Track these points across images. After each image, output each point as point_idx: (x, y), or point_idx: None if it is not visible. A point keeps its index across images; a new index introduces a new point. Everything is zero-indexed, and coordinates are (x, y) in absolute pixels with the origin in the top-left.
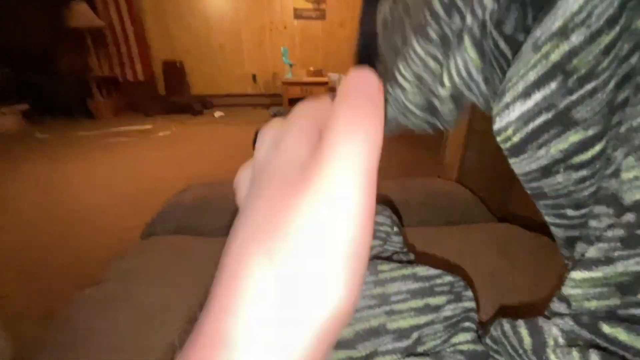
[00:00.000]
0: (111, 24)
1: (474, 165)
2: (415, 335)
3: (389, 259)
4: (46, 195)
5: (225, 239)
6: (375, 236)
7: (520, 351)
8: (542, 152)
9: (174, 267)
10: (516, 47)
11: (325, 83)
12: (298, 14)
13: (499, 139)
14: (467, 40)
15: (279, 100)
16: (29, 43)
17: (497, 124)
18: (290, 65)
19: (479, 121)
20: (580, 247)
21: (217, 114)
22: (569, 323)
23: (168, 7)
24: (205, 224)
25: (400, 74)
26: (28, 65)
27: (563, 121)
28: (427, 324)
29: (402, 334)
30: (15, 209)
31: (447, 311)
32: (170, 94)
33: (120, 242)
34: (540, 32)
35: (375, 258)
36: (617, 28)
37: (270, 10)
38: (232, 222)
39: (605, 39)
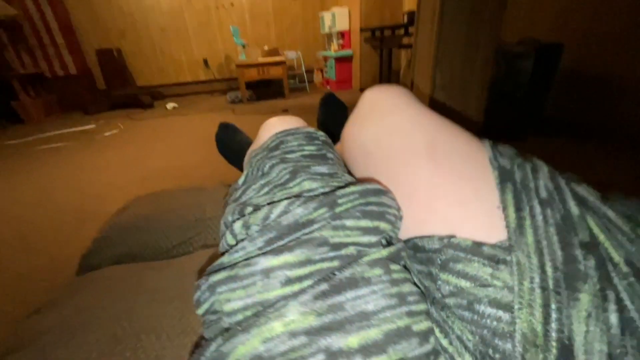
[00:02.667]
0: (27, 12)
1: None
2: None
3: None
4: None
5: (180, 259)
6: (385, 219)
7: None
8: None
9: (114, 313)
10: None
11: (283, 62)
12: None
13: None
14: None
15: (235, 85)
16: None
17: None
18: (243, 46)
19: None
20: None
21: (170, 105)
22: None
23: None
24: (157, 245)
25: None
26: None
27: None
28: None
29: (425, 337)
30: None
31: None
32: (112, 88)
33: (59, 270)
34: None
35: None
36: None
37: None
38: (189, 238)
39: None
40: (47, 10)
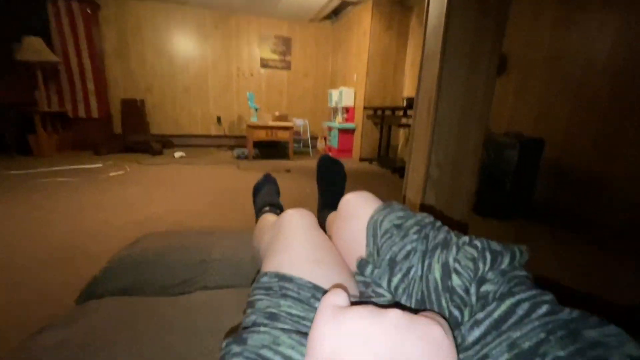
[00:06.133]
0: (67, 59)
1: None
2: None
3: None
4: None
5: (183, 297)
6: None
7: None
8: None
9: (116, 340)
10: None
11: (290, 127)
12: (264, 63)
13: None
14: None
15: (243, 142)
16: None
17: None
18: (256, 110)
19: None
20: None
21: (178, 154)
22: None
23: (132, 46)
24: (160, 281)
25: None
26: None
27: None
28: None
29: None
30: None
31: None
32: (127, 133)
33: (54, 305)
34: None
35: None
36: None
37: (238, 58)
38: (191, 277)
39: None
40: (86, 61)
